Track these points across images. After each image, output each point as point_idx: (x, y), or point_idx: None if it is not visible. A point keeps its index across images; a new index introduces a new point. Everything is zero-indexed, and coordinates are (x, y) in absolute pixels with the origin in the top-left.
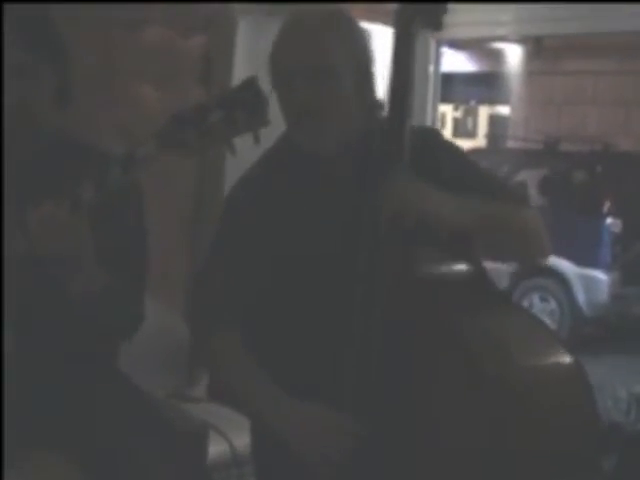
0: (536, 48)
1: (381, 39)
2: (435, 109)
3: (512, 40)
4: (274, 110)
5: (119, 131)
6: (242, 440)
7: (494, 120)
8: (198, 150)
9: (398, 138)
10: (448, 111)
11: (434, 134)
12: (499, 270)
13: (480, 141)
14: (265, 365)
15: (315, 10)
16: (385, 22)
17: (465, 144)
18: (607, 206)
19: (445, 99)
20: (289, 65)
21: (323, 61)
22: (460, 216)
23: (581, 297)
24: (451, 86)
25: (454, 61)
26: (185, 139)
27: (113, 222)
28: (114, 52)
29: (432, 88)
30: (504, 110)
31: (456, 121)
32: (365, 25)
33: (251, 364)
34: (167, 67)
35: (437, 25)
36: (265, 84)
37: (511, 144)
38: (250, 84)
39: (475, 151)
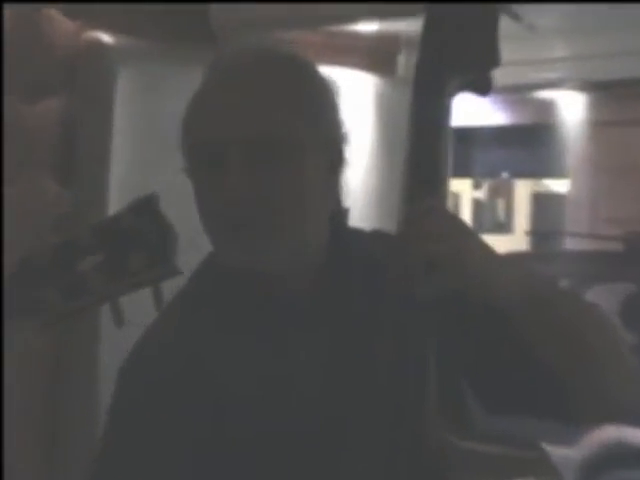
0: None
1: (349, 90)
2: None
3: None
4: None
5: None
6: None
7: (540, 203)
8: (64, 317)
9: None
10: (465, 190)
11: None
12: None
13: (519, 239)
14: None
15: (260, 54)
16: (354, 65)
17: (495, 243)
18: None
19: (460, 171)
20: (216, 138)
21: (271, 132)
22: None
23: None
24: (470, 149)
25: (475, 110)
26: (42, 300)
27: None
28: None
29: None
30: (558, 186)
31: (478, 205)
32: (329, 72)
33: None
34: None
35: (486, 88)
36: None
37: (571, 245)
38: (147, 205)
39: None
